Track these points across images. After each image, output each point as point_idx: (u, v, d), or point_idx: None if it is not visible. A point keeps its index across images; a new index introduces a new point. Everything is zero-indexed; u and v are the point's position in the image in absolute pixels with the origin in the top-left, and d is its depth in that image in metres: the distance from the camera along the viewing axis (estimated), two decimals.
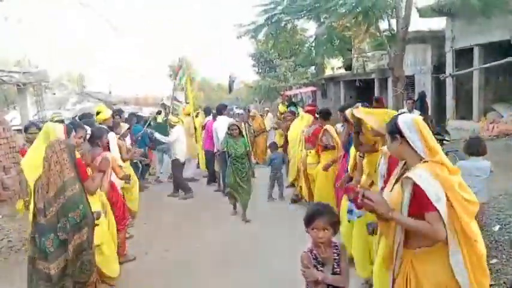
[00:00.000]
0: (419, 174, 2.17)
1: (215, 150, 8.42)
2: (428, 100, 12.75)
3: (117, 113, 8.05)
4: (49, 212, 3.04)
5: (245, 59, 24.58)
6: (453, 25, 12.38)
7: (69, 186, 3.11)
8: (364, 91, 19.75)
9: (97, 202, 3.79)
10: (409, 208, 2.21)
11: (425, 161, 2.24)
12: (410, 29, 13.29)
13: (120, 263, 4.36)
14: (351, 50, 14.13)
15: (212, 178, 9.10)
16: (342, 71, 20.82)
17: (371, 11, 9.04)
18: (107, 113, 6.12)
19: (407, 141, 2.31)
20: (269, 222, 6.42)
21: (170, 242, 5.65)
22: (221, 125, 8.05)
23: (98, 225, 3.41)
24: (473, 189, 4.06)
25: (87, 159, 4.16)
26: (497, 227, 4.67)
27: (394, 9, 9.72)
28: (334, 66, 15.07)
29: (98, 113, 6.01)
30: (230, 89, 13.67)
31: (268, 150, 9.11)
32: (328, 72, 21.58)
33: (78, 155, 3.54)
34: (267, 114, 14.22)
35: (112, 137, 5.45)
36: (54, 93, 24.55)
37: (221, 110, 8.53)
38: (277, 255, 4.91)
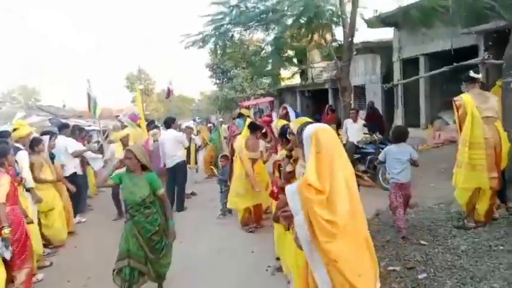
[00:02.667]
0: (291, 187, 2.40)
1: (161, 165, 8.12)
2: (379, 109, 12.95)
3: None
4: None
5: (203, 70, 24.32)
6: (400, 35, 12.63)
7: None
8: (319, 100, 19.97)
9: None
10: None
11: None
12: (360, 39, 13.58)
13: None
14: (301, 61, 14.17)
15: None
16: (298, 80, 20.93)
17: (315, 21, 9.02)
18: (24, 130, 5.69)
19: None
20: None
21: (94, 268, 5.28)
22: (168, 139, 7.79)
23: None
24: (395, 170, 4.98)
25: None
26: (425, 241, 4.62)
27: (339, 20, 9.78)
28: (285, 76, 15.08)
29: (14, 130, 5.57)
30: (168, 96, 13.42)
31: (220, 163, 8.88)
32: (284, 82, 21.67)
33: None
34: (221, 125, 13.99)
35: (22, 156, 5.07)
36: (0, 108, 23.34)
37: (169, 123, 8.22)
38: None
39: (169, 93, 12.90)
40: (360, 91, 15.25)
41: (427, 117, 12.04)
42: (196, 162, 10.10)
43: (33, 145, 5.98)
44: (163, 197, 4.17)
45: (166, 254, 4.24)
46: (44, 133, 7.47)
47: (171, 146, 7.83)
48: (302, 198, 2.29)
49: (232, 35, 10.73)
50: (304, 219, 2.28)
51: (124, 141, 7.58)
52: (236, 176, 6.38)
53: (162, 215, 4.14)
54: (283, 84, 20.15)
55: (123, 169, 4.14)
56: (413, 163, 4.94)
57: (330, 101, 17.64)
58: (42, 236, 6.01)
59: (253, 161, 6.22)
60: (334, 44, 10.78)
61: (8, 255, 4.02)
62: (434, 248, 4.36)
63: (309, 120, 3.53)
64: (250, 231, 6.27)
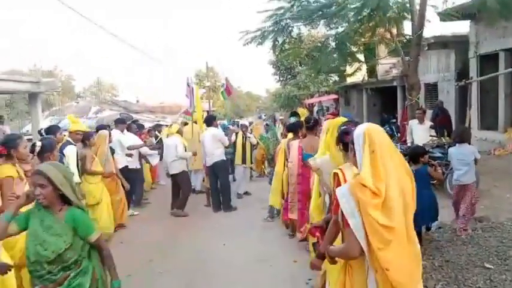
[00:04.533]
0: (341, 189, 2.22)
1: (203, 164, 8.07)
2: (452, 109, 11.94)
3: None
4: None
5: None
6: (477, 29, 11.52)
7: None
8: (387, 99, 18.99)
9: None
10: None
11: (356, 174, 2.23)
12: (433, 33, 12.63)
13: None
14: (367, 57, 13.46)
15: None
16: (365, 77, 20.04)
17: (377, 14, 8.45)
18: (75, 125, 5.84)
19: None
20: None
21: (136, 265, 5.28)
22: (208, 137, 7.68)
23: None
24: (459, 171, 4.99)
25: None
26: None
27: (407, 12, 9.09)
28: (349, 73, 14.41)
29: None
30: (229, 94, 13.21)
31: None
32: (350, 79, 20.87)
33: None
34: (281, 123, 13.82)
35: (69, 151, 5.18)
36: (78, 102, 25.03)
37: (210, 121, 8.10)
38: None
39: (228, 90, 12.80)
40: (432, 89, 14.19)
41: (506, 119, 10.86)
42: (251, 161, 9.92)
43: (84, 139, 6.20)
44: (101, 244, 2.75)
45: None
46: (100, 127, 7.72)
47: (210, 144, 7.71)
48: (356, 200, 2.13)
49: (292, 30, 10.44)
50: (362, 223, 2.11)
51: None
52: (276, 172, 6.12)
53: (101, 275, 2.72)
54: (348, 81, 19.40)
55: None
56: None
57: (399, 100, 16.68)
58: None
59: None
60: (401, 38, 10.08)
61: None
62: (502, 274, 3.76)
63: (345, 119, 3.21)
64: (290, 236, 5.96)
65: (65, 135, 5.59)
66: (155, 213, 7.90)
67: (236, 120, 13.78)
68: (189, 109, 10.49)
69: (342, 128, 2.91)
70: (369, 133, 2.22)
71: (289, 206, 5.54)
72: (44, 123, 14.41)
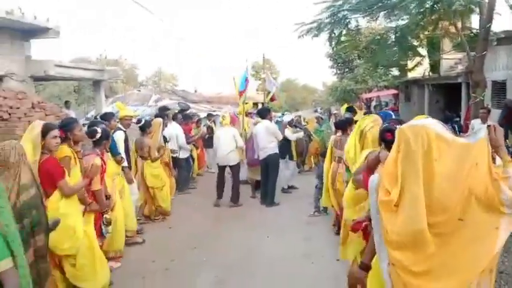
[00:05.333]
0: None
1: (255, 157, 8.06)
2: None
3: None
4: None
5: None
6: None
7: (24, 190, 2.94)
8: (451, 96, 18.01)
9: (73, 206, 3.64)
10: None
11: None
12: (503, 28, 11.72)
13: None
14: (430, 51, 12.76)
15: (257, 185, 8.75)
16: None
17: (440, 6, 7.98)
18: (124, 111, 6.12)
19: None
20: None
21: (181, 251, 5.44)
22: (261, 130, 7.66)
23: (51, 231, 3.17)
24: None
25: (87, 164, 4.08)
26: None
27: (474, 5, 8.50)
28: (411, 68, 13.77)
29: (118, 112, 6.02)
30: (272, 100, 13.04)
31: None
32: (412, 74, 19.97)
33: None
34: (335, 117, 13.51)
35: (118, 137, 5.46)
36: (139, 90, 26.05)
37: (264, 113, 8.07)
38: None
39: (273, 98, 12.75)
40: (500, 88, 13.19)
41: None
42: (300, 155, 9.83)
43: (144, 127, 6.56)
44: (7, 277, 1.95)
45: None
46: (157, 115, 8.02)
47: (263, 137, 7.66)
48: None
49: (349, 22, 10.14)
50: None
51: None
52: (324, 170, 5.95)
53: None
54: (409, 76, 18.57)
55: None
56: None
57: (463, 97, 15.73)
58: (156, 207, 6.63)
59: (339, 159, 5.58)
60: (467, 32, 9.47)
61: (107, 234, 4.47)
62: None
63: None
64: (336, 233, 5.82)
65: (117, 122, 5.85)
66: (203, 200, 8.05)
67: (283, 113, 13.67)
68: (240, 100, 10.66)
69: (384, 125, 2.75)
70: (401, 132, 2.03)
71: None
72: (107, 110, 15.17)
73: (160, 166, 6.71)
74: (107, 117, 5.63)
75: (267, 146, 7.67)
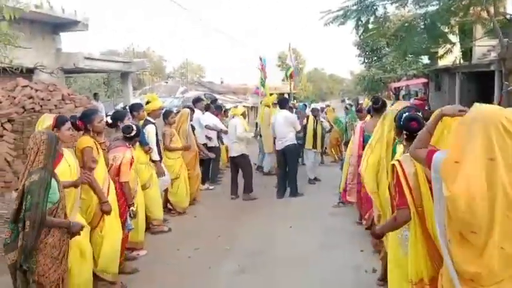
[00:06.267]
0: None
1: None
2: None
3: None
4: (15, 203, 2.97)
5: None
6: None
7: (29, 176, 2.92)
8: (483, 85, 17.41)
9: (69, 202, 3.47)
10: None
11: None
12: None
13: None
14: (461, 38, 12.34)
15: None
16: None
17: None
18: (155, 104, 6.02)
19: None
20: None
21: (205, 240, 5.52)
22: (279, 120, 7.60)
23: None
24: None
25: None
26: None
27: None
28: (441, 55, 13.34)
29: (147, 103, 6.01)
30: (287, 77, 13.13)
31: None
32: (442, 62, 19.35)
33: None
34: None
35: (150, 130, 5.51)
36: (167, 82, 26.38)
37: (283, 103, 8.00)
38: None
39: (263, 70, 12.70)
40: None
41: None
42: (322, 146, 9.75)
43: (165, 117, 6.55)
44: None
45: None
46: (185, 107, 8.16)
47: (282, 127, 7.56)
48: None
49: (377, 9, 9.90)
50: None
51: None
52: (346, 157, 5.86)
53: None
54: (440, 64, 18.02)
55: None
56: None
57: (496, 86, 15.18)
58: (168, 201, 6.60)
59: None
60: (500, 17, 9.09)
61: (131, 226, 4.53)
62: None
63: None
64: (358, 223, 5.75)
65: (146, 113, 5.90)
66: (228, 191, 8.11)
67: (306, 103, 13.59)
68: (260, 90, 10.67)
69: (406, 115, 2.62)
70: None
71: (347, 188, 5.35)
72: (136, 101, 15.41)
73: (179, 157, 6.57)
74: (135, 108, 5.66)
75: (286, 136, 7.57)
